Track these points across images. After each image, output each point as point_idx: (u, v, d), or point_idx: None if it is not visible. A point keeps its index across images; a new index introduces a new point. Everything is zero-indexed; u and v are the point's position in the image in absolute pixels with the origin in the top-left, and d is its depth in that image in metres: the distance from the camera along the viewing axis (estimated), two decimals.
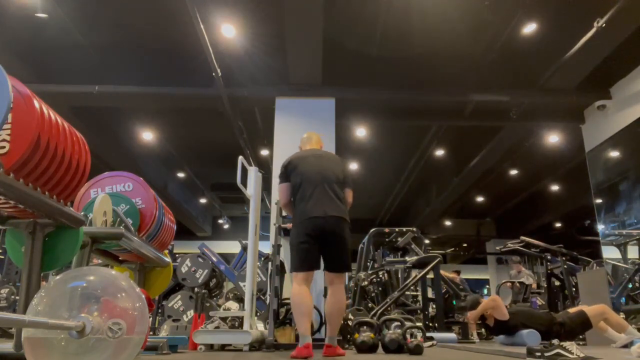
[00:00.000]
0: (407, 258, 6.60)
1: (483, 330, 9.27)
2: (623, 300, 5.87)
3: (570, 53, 5.44)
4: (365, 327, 3.47)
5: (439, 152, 8.83)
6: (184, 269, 6.11)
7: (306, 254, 2.99)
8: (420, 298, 7.11)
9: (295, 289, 2.94)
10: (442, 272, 6.54)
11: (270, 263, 4.84)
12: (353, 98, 6.60)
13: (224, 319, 3.96)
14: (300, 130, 6.25)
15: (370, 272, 6.69)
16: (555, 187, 10.93)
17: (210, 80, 5.90)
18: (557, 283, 7.12)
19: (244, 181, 4.07)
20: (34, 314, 1.53)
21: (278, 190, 3.31)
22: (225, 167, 8.59)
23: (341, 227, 3.04)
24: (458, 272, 9.80)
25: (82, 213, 2.50)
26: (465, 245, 16.47)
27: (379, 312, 5.17)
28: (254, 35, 5.70)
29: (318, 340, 4.44)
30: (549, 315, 4.42)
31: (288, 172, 3.21)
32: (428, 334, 4.71)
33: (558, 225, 13.52)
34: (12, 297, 5.89)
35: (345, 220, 3.08)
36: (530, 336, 4.12)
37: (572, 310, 4.49)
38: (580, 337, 4.69)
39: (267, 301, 4.46)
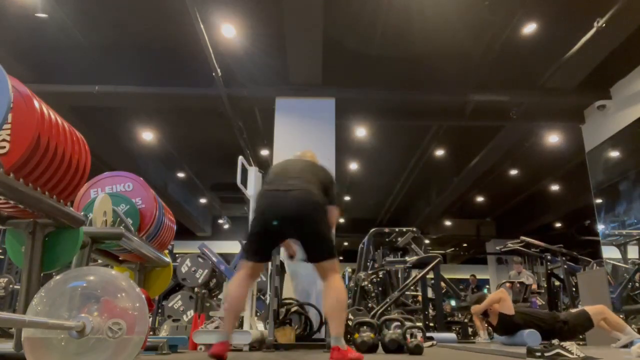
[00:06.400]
0: (407, 258, 6.61)
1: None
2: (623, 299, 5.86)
3: (570, 53, 5.44)
4: (365, 327, 3.47)
5: (439, 152, 8.83)
6: (184, 269, 6.10)
7: (251, 240, 2.54)
8: (420, 298, 7.13)
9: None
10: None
11: (270, 263, 4.83)
12: (353, 98, 6.60)
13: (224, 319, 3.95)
14: (300, 130, 6.32)
15: (370, 272, 6.70)
16: (555, 187, 10.93)
17: (210, 80, 5.90)
18: (557, 283, 7.13)
19: (244, 181, 4.07)
20: (34, 314, 1.53)
21: None
22: (225, 167, 8.59)
23: (309, 203, 2.44)
24: (474, 276, 9.97)
25: (82, 213, 2.50)
26: (465, 245, 16.47)
27: (379, 312, 5.18)
28: (254, 35, 5.70)
29: (318, 340, 4.46)
30: (552, 314, 4.46)
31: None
32: (428, 334, 4.71)
33: (558, 225, 13.51)
34: (11, 286, 5.83)
35: (317, 196, 2.48)
36: (530, 336, 4.13)
37: (574, 310, 4.54)
38: (581, 337, 4.71)
39: (267, 301, 4.46)
